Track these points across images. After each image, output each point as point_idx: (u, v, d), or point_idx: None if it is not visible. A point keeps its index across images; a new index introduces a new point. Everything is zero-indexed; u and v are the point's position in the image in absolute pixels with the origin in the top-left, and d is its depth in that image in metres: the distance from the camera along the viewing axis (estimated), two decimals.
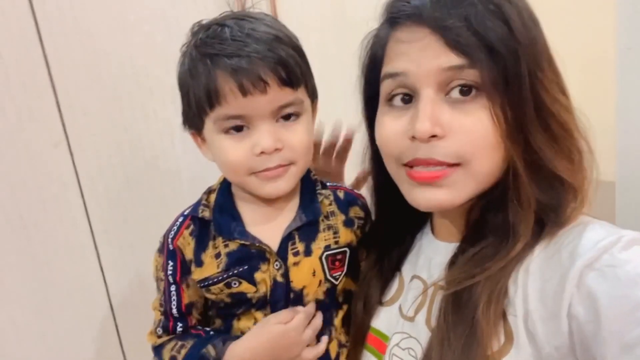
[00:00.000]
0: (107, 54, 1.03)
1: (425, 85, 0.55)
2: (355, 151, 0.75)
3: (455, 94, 0.55)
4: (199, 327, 0.77)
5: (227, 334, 0.74)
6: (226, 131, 0.65)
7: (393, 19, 0.60)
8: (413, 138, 0.56)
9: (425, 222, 0.73)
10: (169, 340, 0.75)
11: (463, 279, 0.56)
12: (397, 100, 0.59)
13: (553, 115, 0.55)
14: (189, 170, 1.13)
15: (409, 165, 0.58)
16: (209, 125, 0.66)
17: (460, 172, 0.56)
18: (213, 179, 0.78)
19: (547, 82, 0.55)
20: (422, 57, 0.55)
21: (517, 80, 0.53)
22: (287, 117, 0.67)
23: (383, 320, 0.70)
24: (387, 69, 0.60)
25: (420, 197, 0.59)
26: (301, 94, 0.67)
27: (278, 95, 0.64)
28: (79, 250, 1.06)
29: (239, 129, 0.65)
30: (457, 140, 0.54)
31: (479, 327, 0.53)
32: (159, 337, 0.76)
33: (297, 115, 0.67)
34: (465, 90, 0.55)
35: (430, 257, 0.68)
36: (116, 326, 1.11)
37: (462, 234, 0.63)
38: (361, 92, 0.69)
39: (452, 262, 0.60)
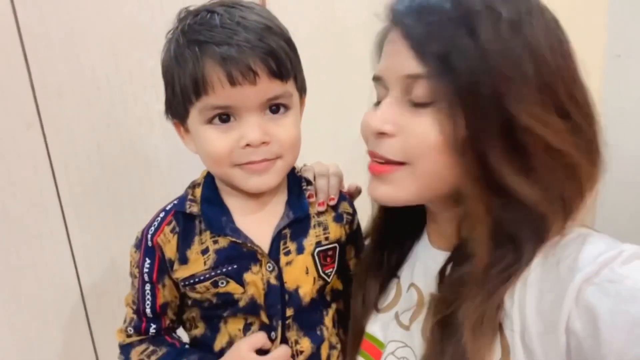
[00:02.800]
0: (86, 34, 0.98)
1: (393, 87, 0.58)
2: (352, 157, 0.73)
3: (415, 98, 0.56)
4: (175, 336, 0.75)
5: (200, 352, 0.71)
6: (211, 121, 0.64)
7: (388, 21, 0.61)
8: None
9: (423, 228, 0.73)
10: (140, 342, 0.73)
11: (449, 300, 0.56)
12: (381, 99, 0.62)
13: (527, 132, 0.51)
14: (167, 158, 1.10)
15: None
16: (194, 115, 0.64)
17: (404, 171, 0.58)
18: (192, 167, 0.75)
19: (523, 96, 0.51)
20: (393, 61, 0.58)
21: (474, 94, 0.51)
22: (275, 110, 0.65)
23: (379, 326, 0.70)
24: (374, 71, 0.63)
25: (370, 187, 0.63)
26: (290, 87, 0.66)
27: (267, 87, 0.62)
28: (49, 236, 1.02)
29: (225, 120, 0.64)
30: (403, 141, 0.57)
31: (467, 348, 0.52)
32: (129, 336, 0.74)
33: (286, 108, 0.66)
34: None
35: (426, 265, 0.67)
36: (87, 315, 1.08)
37: (454, 242, 0.63)
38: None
39: (441, 276, 0.61)
